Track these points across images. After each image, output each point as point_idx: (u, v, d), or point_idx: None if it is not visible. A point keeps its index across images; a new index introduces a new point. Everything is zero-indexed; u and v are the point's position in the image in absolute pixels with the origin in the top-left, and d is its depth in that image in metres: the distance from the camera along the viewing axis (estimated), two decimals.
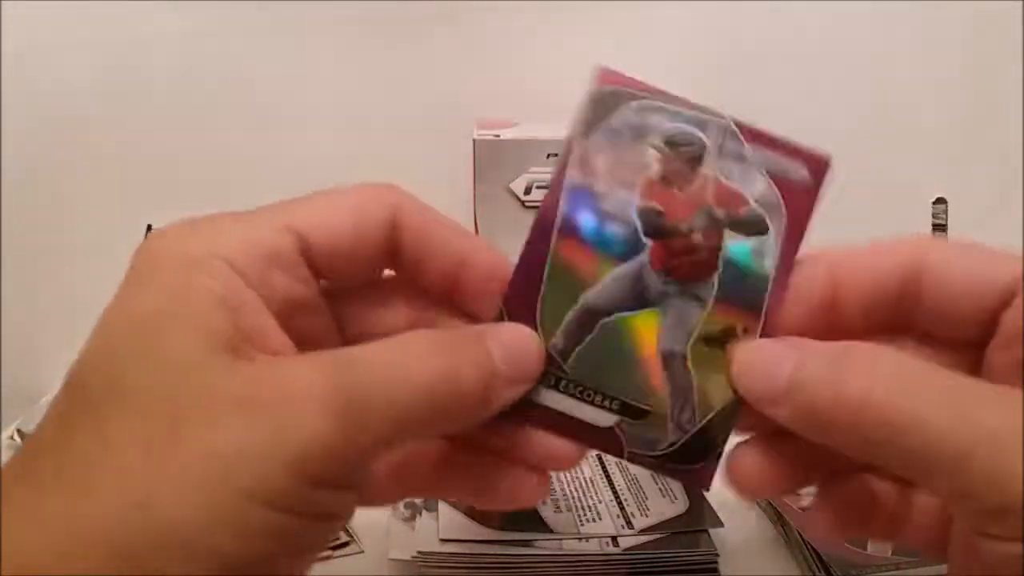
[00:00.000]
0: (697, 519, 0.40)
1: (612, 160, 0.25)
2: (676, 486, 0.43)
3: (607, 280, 0.25)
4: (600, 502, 0.41)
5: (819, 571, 0.37)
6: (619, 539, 0.38)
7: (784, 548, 0.40)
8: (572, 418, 0.25)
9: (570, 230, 0.25)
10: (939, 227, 0.58)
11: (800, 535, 0.38)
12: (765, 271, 0.25)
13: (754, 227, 0.25)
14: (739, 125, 0.26)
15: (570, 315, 0.25)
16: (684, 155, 0.26)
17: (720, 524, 0.39)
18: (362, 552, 0.39)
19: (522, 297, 0.25)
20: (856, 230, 0.60)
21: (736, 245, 0.25)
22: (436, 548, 0.37)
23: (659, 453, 0.25)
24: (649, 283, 0.25)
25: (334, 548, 0.39)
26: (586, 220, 0.25)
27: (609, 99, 0.25)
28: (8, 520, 0.19)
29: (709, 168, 0.26)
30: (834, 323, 0.25)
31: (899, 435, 0.20)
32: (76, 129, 0.58)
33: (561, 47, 0.57)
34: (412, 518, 0.40)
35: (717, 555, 0.37)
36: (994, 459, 0.19)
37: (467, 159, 0.47)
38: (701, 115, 0.26)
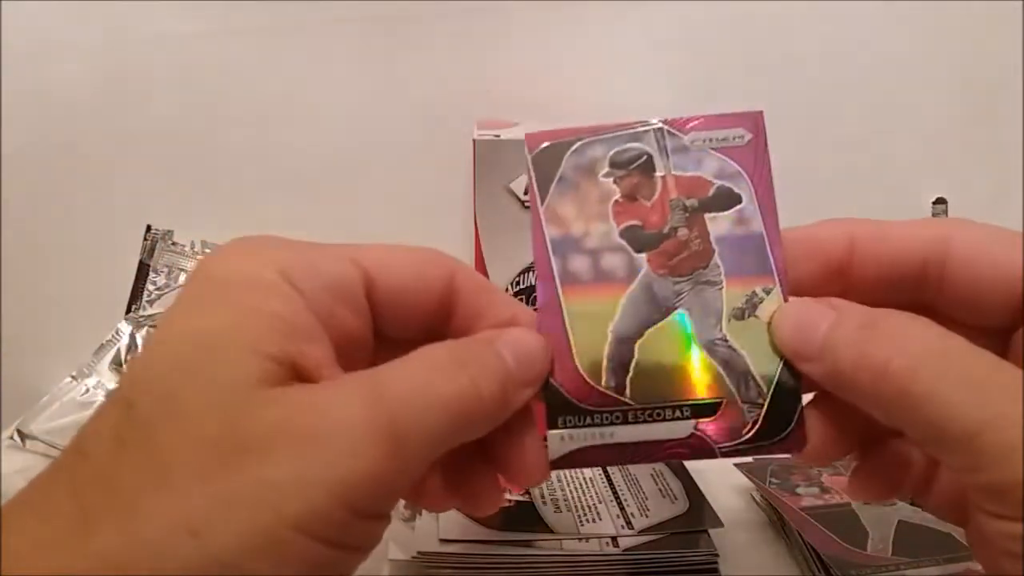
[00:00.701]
0: (697, 519, 0.40)
1: (576, 204, 0.27)
2: (676, 486, 0.43)
3: (624, 306, 0.27)
4: (600, 502, 0.41)
5: (819, 571, 0.37)
6: (619, 539, 0.38)
7: (784, 548, 0.40)
8: (654, 442, 0.26)
9: (570, 279, 0.27)
10: None
11: (800, 535, 0.38)
12: (756, 232, 0.27)
13: (727, 200, 0.27)
14: (667, 122, 0.28)
15: (606, 351, 0.26)
16: (634, 169, 0.27)
17: (720, 524, 0.39)
18: None
19: (558, 353, 0.26)
20: None
21: (720, 222, 0.27)
22: (436, 548, 0.37)
23: (746, 437, 0.26)
24: (661, 291, 0.27)
25: None
26: (579, 264, 0.27)
27: (548, 156, 0.28)
28: (56, 539, 0.19)
29: (661, 170, 0.27)
30: (847, 289, 0.25)
31: (915, 406, 0.21)
32: (76, 129, 0.58)
33: (562, 47, 0.57)
34: (412, 518, 0.40)
35: (717, 555, 0.37)
36: (1002, 439, 0.19)
37: (467, 159, 0.47)
38: (631, 130, 0.28)
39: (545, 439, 0.26)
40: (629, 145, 0.27)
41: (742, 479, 0.44)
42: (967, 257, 0.24)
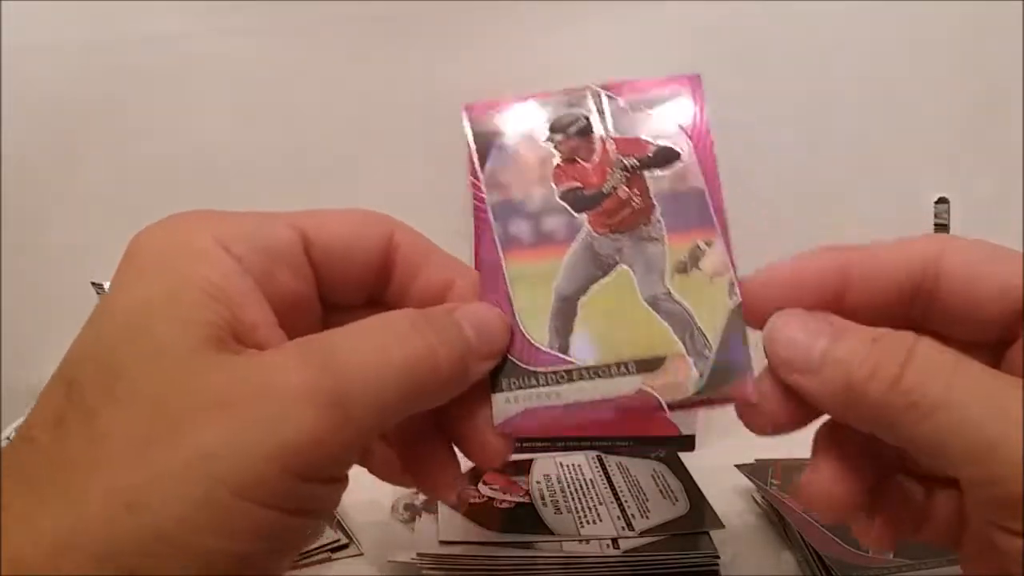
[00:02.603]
0: (698, 521, 0.39)
1: (517, 169, 0.27)
2: (677, 487, 0.43)
3: (566, 266, 0.27)
4: (600, 504, 0.41)
5: (820, 573, 0.37)
6: (619, 541, 0.38)
7: (785, 550, 0.40)
8: (601, 400, 0.25)
9: (512, 243, 0.27)
10: (941, 227, 0.58)
11: (801, 537, 0.38)
12: (696, 187, 0.27)
13: (666, 157, 0.27)
14: (605, 86, 0.28)
15: (550, 311, 0.26)
16: (573, 132, 0.28)
17: (721, 526, 0.39)
18: (361, 554, 0.39)
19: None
20: (858, 230, 0.60)
21: (660, 180, 0.27)
22: (436, 550, 0.37)
23: (695, 390, 0.25)
24: (603, 249, 0.27)
25: (333, 551, 0.39)
26: (520, 228, 0.27)
27: (488, 124, 0.28)
28: (8, 527, 0.19)
29: (600, 132, 0.28)
30: (840, 314, 0.25)
31: (928, 417, 0.20)
32: (76, 128, 0.58)
33: (560, 46, 0.57)
34: (412, 520, 0.40)
35: (718, 557, 0.37)
36: (1018, 448, 0.19)
37: (464, 157, 0.47)
38: (568, 96, 0.28)
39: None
40: (568, 110, 0.28)
41: (743, 480, 0.44)
42: (959, 273, 0.24)
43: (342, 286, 0.26)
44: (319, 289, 0.26)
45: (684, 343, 0.26)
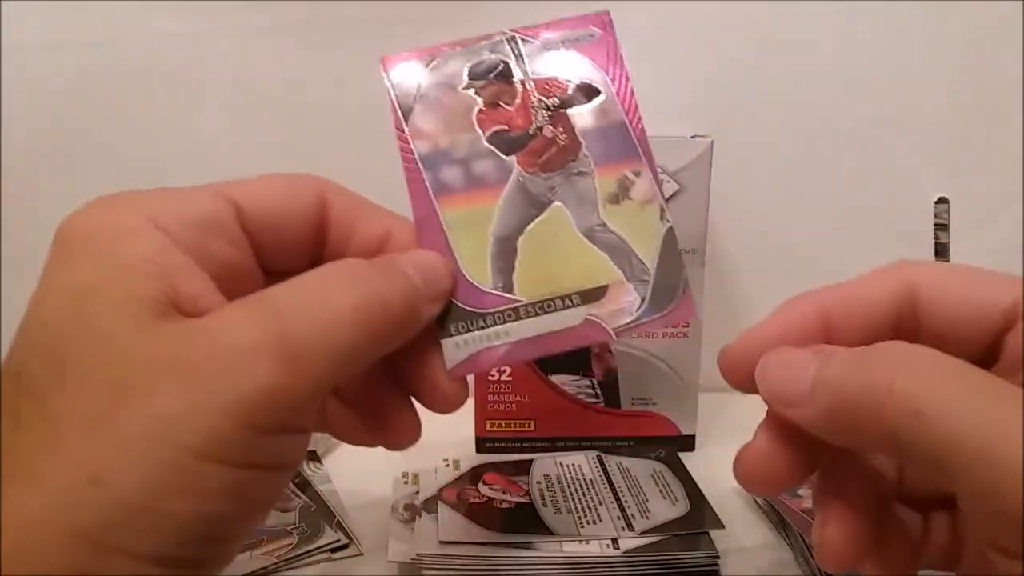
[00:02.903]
0: (698, 521, 0.39)
1: (441, 118, 0.28)
2: (677, 487, 0.43)
3: (500, 208, 0.28)
4: (600, 504, 0.41)
5: (819, 573, 0.37)
6: (619, 541, 0.38)
7: (785, 550, 0.40)
8: (549, 334, 0.27)
9: (444, 190, 0.28)
10: (941, 227, 0.58)
11: (801, 537, 0.38)
12: (618, 120, 0.28)
13: (586, 94, 0.28)
14: (518, 30, 0.29)
15: (489, 253, 0.27)
16: (493, 77, 0.29)
17: (721, 526, 0.39)
18: (361, 554, 0.39)
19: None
20: (859, 230, 0.60)
21: (583, 116, 0.28)
22: (436, 550, 0.36)
23: (637, 314, 0.27)
24: (535, 189, 0.28)
25: (333, 551, 0.39)
26: (451, 175, 0.28)
27: (407, 76, 0.28)
28: None
29: (520, 75, 0.29)
30: None
31: (924, 425, 0.20)
32: (76, 128, 0.58)
33: None
34: (411, 520, 0.40)
35: (718, 557, 0.37)
36: (1019, 455, 0.18)
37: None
38: (484, 42, 0.29)
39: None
40: (485, 56, 0.29)
41: None
42: (935, 299, 0.24)
43: (280, 252, 0.26)
44: (258, 257, 0.26)
45: (623, 270, 0.27)
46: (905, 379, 0.20)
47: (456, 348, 0.26)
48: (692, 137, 0.45)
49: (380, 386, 0.27)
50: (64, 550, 0.18)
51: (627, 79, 0.28)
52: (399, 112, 0.28)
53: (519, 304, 0.27)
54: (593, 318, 0.27)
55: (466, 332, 0.26)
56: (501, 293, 0.27)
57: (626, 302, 0.27)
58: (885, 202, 0.58)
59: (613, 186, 0.27)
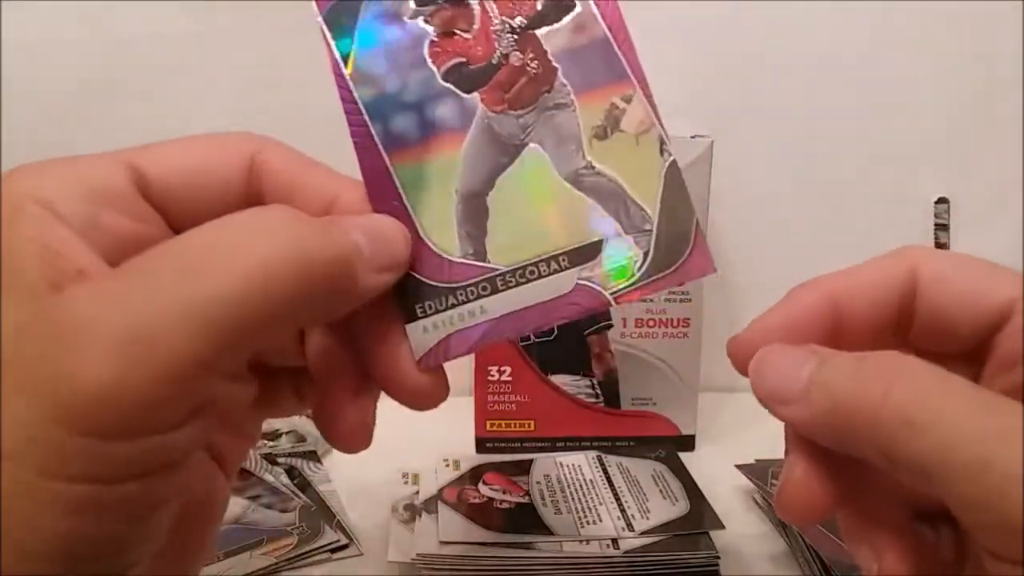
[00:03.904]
0: (698, 521, 0.39)
1: (386, 55, 0.23)
2: (677, 487, 0.43)
3: (465, 158, 0.23)
4: (600, 504, 0.41)
5: (820, 573, 0.36)
6: (620, 541, 0.38)
7: (785, 550, 0.40)
8: (537, 305, 0.22)
9: (396, 142, 0.23)
10: (941, 227, 0.58)
11: (802, 537, 0.38)
12: (600, 36, 0.23)
13: (559, 8, 0.23)
14: None
15: (455, 214, 0.23)
16: (444, 1, 0.24)
17: (721, 526, 0.39)
18: (361, 555, 0.39)
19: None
20: (859, 230, 0.60)
21: (556, 35, 0.23)
22: (436, 550, 0.36)
23: (641, 273, 0.22)
24: (505, 130, 0.23)
25: (333, 551, 0.39)
26: (403, 123, 0.23)
27: (343, 11, 0.24)
28: None
29: None
30: (839, 347, 0.24)
31: (919, 435, 0.19)
32: (76, 128, 0.58)
33: None
34: (411, 520, 0.40)
35: (718, 557, 0.37)
36: (1014, 467, 0.18)
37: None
38: None
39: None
40: None
41: (744, 480, 0.44)
42: (932, 284, 0.23)
43: (199, 220, 0.21)
44: (174, 228, 0.22)
45: (619, 220, 0.22)
46: (899, 389, 0.20)
47: (424, 333, 0.22)
48: (692, 137, 0.45)
49: (341, 374, 0.24)
50: None
51: None
52: (336, 54, 0.23)
53: (495, 273, 0.22)
54: (586, 282, 0.22)
55: (434, 313, 0.22)
56: (472, 262, 0.22)
57: (626, 259, 0.22)
58: (885, 202, 0.58)
59: (599, 117, 0.23)
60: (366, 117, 0.23)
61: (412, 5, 0.24)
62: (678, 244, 0.22)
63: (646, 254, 0.22)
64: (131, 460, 0.17)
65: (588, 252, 0.22)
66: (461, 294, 0.22)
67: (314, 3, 0.24)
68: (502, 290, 0.22)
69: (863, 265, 0.25)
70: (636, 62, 0.23)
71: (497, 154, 0.23)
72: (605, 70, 0.23)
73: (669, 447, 0.48)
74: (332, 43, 0.24)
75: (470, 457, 0.46)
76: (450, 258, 0.22)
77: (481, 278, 0.22)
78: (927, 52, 0.57)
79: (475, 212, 0.23)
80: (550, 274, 0.22)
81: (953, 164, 0.59)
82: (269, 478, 0.44)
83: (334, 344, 0.24)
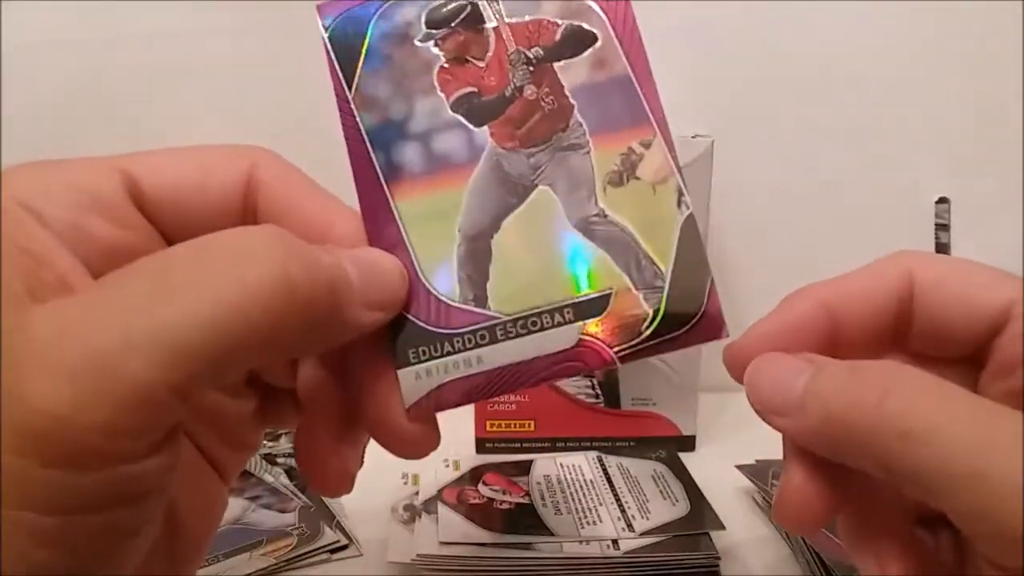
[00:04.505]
0: (698, 522, 0.39)
1: (393, 80, 0.22)
2: (677, 488, 0.43)
3: (470, 195, 0.22)
4: (601, 504, 0.41)
5: (821, 574, 0.36)
6: (620, 542, 0.38)
7: (786, 551, 0.40)
8: (534, 360, 0.21)
9: (398, 174, 0.22)
10: (942, 227, 0.58)
11: (803, 538, 0.38)
12: (621, 74, 0.22)
13: (579, 41, 0.22)
14: None
15: (457, 255, 0.21)
16: (458, 24, 0.22)
17: (722, 527, 0.39)
18: (361, 555, 0.39)
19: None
20: (859, 230, 0.60)
21: (574, 70, 0.22)
22: (435, 551, 0.36)
23: (649, 331, 0.21)
24: (514, 168, 0.22)
25: (333, 552, 0.39)
26: (407, 154, 0.22)
27: (349, 28, 0.23)
28: None
29: (492, 20, 0.22)
30: (837, 355, 0.24)
31: (915, 446, 0.19)
32: (76, 128, 0.58)
33: None
34: (411, 521, 0.39)
35: (719, 558, 0.37)
36: (1011, 476, 0.18)
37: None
38: None
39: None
40: None
41: (744, 481, 0.44)
42: (931, 293, 0.23)
43: (190, 234, 0.20)
44: (168, 239, 0.22)
45: (629, 274, 0.21)
46: (894, 399, 0.20)
47: (416, 380, 0.21)
48: (693, 137, 0.45)
49: (329, 411, 0.23)
50: None
51: (632, 18, 0.22)
52: (340, 75, 0.22)
53: (495, 321, 0.21)
54: (590, 338, 0.21)
55: (428, 360, 0.21)
56: (472, 308, 0.21)
57: (633, 316, 0.21)
58: (886, 202, 0.58)
59: (615, 162, 0.21)
60: (368, 145, 0.22)
61: (423, 27, 0.22)
62: (690, 305, 0.21)
63: (656, 312, 0.21)
64: (100, 490, 0.16)
65: (595, 306, 0.21)
66: (458, 341, 0.21)
67: (318, 19, 0.23)
68: (501, 340, 0.21)
69: (858, 271, 0.24)
70: (658, 105, 0.22)
71: (505, 194, 0.22)
72: (624, 111, 0.22)
73: (669, 447, 0.48)
74: (336, 63, 0.23)
75: (470, 457, 0.46)
76: (448, 302, 0.21)
77: (480, 326, 0.21)
78: (929, 52, 0.57)
79: (478, 254, 0.22)
80: (553, 327, 0.21)
81: (954, 164, 0.59)
82: (269, 479, 0.44)
83: (326, 379, 0.23)
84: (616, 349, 0.21)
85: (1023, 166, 0.57)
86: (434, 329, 0.21)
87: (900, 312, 0.24)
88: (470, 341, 0.21)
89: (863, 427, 0.20)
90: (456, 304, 0.21)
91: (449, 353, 0.21)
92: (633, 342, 0.21)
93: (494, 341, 0.21)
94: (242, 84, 0.58)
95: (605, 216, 0.22)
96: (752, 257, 0.58)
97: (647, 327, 0.21)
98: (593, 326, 0.21)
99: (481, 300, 0.21)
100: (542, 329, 0.21)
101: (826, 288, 0.24)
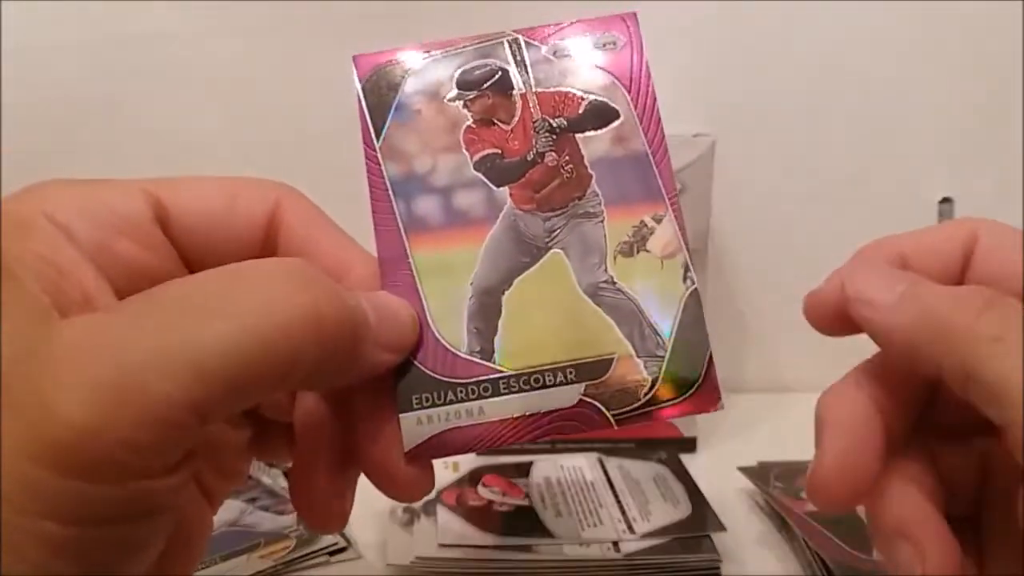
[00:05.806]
0: (699, 524, 0.39)
1: (420, 135, 0.23)
2: (678, 490, 0.42)
3: (485, 252, 0.23)
4: (601, 506, 0.41)
5: (821, 575, 0.36)
6: (621, 544, 0.37)
7: (788, 553, 0.40)
8: (535, 415, 0.22)
9: (418, 225, 0.23)
10: None
11: (804, 540, 0.38)
12: (639, 150, 0.23)
13: (601, 115, 0.23)
14: (523, 31, 0.24)
15: (468, 309, 0.22)
16: (487, 88, 0.24)
17: (723, 529, 0.38)
18: (359, 558, 0.39)
19: None
20: (862, 229, 0.60)
21: (595, 142, 0.23)
22: (435, 553, 0.36)
23: (646, 399, 0.22)
24: (530, 230, 0.23)
25: (331, 554, 0.38)
26: (428, 207, 0.23)
27: (383, 81, 0.24)
28: None
29: (520, 87, 0.24)
30: None
31: (1004, 352, 0.19)
32: (76, 128, 0.58)
33: None
34: (410, 523, 0.39)
35: (720, 560, 0.37)
36: None
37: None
38: (480, 44, 0.24)
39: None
40: (479, 61, 0.24)
41: (745, 483, 0.44)
42: (987, 253, 0.24)
43: (213, 262, 0.21)
44: (189, 265, 0.22)
45: (632, 341, 0.22)
46: (995, 312, 0.20)
47: (417, 426, 0.21)
48: (694, 136, 0.45)
49: (324, 448, 0.23)
50: None
51: (654, 100, 0.23)
52: (369, 124, 0.23)
53: (499, 375, 0.22)
54: (590, 400, 0.22)
55: (431, 407, 0.21)
56: (478, 360, 0.22)
57: (633, 382, 0.22)
58: (889, 201, 0.58)
59: (627, 233, 0.22)
60: (391, 193, 0.23)
61: (454, 87, 0.24)
62: (688, 375, 0.22)
63: (655, 379, 0.22)
64: (118, 504, 0.17)
65: (597, 369, 0.22)
66: (461, 391, 0.22)
67: (353, 69, 0.24)
68: (504, 394, 0.22)
69: (928, 228, 0.25)
70: (671, 184, 0.23)
71: (519, 253, 0.23)
72: (640, 186, 0.23)
73: (670, 449, 0.48)
74: (367, 113, 0.23)
75: (469, 459, 0.46)
76: (455, 352, 0.22)
77: (484, 378, 0.22)
78: (931, 51, 0.57)
79: (487, 309, 0.22)
80: (555, 385, 0.22)
81: (957, 164, 0.58)
82: (267, 480, 0.44)
83: (325, 416, 0.23)
84: (614, 412, 0.22)
85: (1023, 166, 0.57)
86: (439, 377, 0.22)
87: (964, 268, 0.24)
88: (473, 392, 0.22)
89: (957, 327, 0.20)
90: (463, 355, 0.22)
91: (452, 402, 0.22)
92: (631, 406, 0.22)
93: (497, 394, 0.22)
94: (242, 84, 0.58)
95: (614, 283, 0.23)
96: (753, 256, 0.58)
97: (646, 393, 0.22)
98: (593, 388, 0.22)
99: (488, 353, 0.22)
100: (544, 387, 0.22)
101: (902, 241, 0.24)
